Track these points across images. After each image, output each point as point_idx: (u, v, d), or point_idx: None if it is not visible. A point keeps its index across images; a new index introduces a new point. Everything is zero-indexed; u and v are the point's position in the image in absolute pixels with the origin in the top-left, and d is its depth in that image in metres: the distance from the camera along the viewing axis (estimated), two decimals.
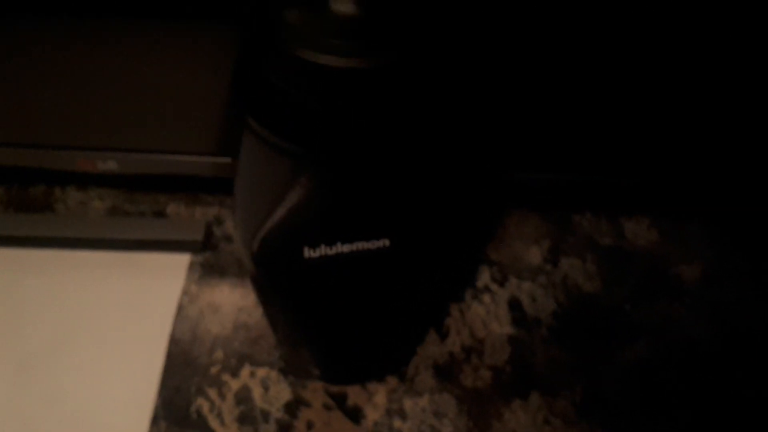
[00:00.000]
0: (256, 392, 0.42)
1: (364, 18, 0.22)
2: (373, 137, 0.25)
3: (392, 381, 0.42)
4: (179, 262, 0.48)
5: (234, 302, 0.46)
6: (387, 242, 0.32)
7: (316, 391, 0.42)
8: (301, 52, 0.22)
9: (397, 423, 0.41)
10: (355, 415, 0.41)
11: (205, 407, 0.41)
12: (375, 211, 0.31)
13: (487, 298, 0.47)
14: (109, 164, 0.46)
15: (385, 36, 0.22)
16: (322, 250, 0.31)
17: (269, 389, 0.42)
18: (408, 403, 0.42)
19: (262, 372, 0.43)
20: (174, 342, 0.44)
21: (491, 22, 0.37)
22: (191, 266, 0.48)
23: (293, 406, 0.41)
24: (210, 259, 0.49)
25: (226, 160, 0.45)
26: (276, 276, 0.33)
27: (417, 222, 0.33)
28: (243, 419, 0.41)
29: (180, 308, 0.46)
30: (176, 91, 0.42)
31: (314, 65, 0.22)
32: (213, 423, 0.41)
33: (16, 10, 0.39)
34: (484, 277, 0.48)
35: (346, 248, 0.31)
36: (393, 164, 0.28)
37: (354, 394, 0.42)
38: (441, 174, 0.34)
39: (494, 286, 0.48)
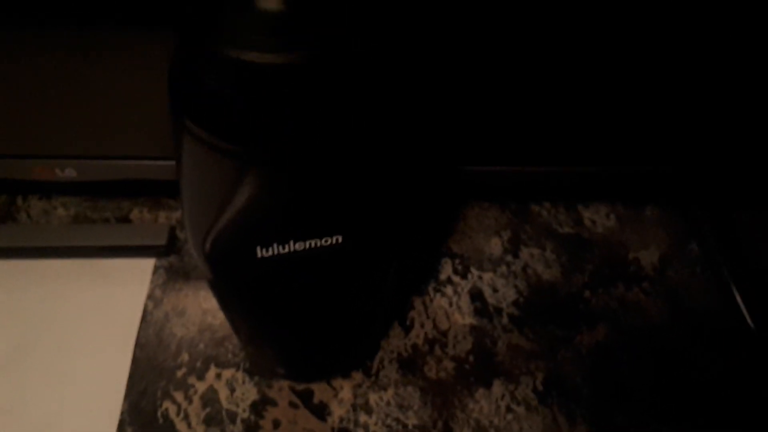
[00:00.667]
0: (223, 393, 0.42)
1: (289, 14, 0.23)
2: (310, 133, 0.25)
3: (357, 376, 0.43)
4: (144, 266, 0.49)
5: (198, 305, 0.47)
6: (339, 238, 0.32)
7: (281, 390, 0.42)
8: (228, 50, 0.22)
9: (362, 418, 0.41)
10: (320, 411, 0.42)
11: (172, 411, 0.41)
12: (325, 207, 0.31)
13: (449, 290, 0.48)
14: (68, 172, 0.46)
15: (311, 30, 0.23)
16: (275, 249, 0.31)
17: (235, 390, 0.42)
18: (373, 398, 0.42)
19: (227, 373, 0.43)
20: (140, 346, 0.44)
21: (431, 8, 0.38)
22: (155, 270, 0.48)
23: (259, 406, 0.42)
24: (174, 263, 0.49)
25: None
26: (230, 277, 0.33)
27: (369, 217, 0.34)
28: (210, 421, 0.41)
29: (145, 313, 0.46)
30: (131, 95, 0.42)
31: (241, 62, 0.22)
32: (180, 426, 0.41)
33: None
34: (447, 270, 0.49)
35: (299, 246, 0.32)
36: (338, 160, 0.29)
37: (319, 391, 0.43)
38: (391, 168, 0.34)
39: (456, 278, 0.48)
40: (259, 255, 0.31)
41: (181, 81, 0.26)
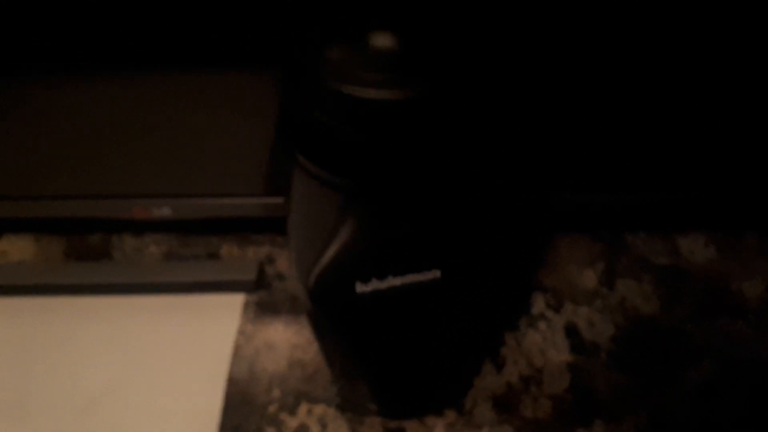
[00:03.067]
0: (314, 430, 0.42)
1: (401, 52, 0.23)
2: (417, 167, 0.25)
3: (450, 414, 0.42)
4: (234, 302, 0.49)
5: (288, 339, 0.47)
6: (438, 273, 0.32)
7: (373, 427, 0.42)
8: (342, 87, 0.22)
9: None
10: None
11: None
12: (424, 242, 0.31)
13: (542, 325, 0.46)
14: (164, 210, 0.47)
15: (422, 68, 0.23)
16: (374, 284, 0.31)
17: (327, 426, 0.42)
18: None
19: (319, 409, 0.43)
20: (232, 382, 0.44)
21: (529, 47, 0.37)
22: (246, 306, 0.49)
23: None
24: (264, 298, 0.49)
25: (276, 199, 0.46)
26: (331, 312, 0.33)
27: (467, 251, 0.33)
28: None
29: (236, 348, 0.46)
30: (224, 135, 0.44)
31: (355, 98, 0.22)
32: None
33: (71, 62, 0.40)
34: (539, 304, 0.47)
35: (397, 281, 0.31)
36: (439, 194, 0.29)
37: (412, 429, 0.42)
38: (488, 201, 0.34)
39: (549, 313, 0.47)
40: (358, 290, 0.31)
41: (294, 117, 0.26)
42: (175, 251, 0.53)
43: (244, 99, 0.41)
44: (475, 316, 0.38)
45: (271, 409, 0.43)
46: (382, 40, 0.22)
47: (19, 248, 0.54)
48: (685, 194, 0.48)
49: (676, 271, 0.49)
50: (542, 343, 0.45)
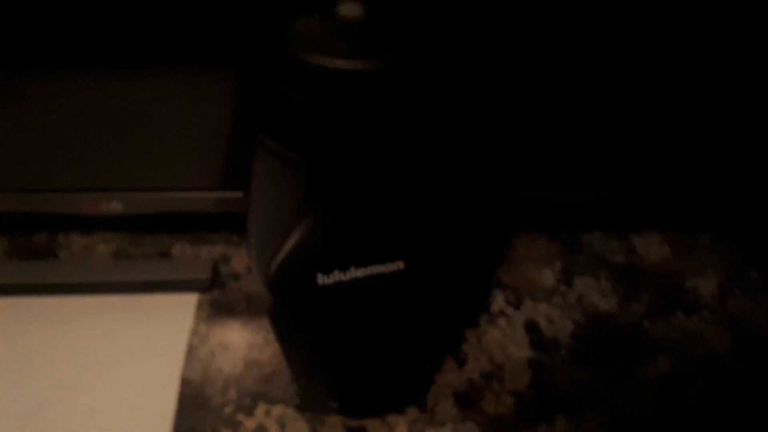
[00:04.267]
0: (273, 430, 0.41)
1: (370, 22, 0.22)
2: (383, 145, 0.25)
3: (412, 412, 0.41)
4: (187, 302, 0.48)
5: (244, 339, 0.45)
6: (401, 265, 0.31)
7: (334, 427, 0.41)
8: (311, 58, 0.21)
9: None
10: None
11: None
12: (389, 232, 0.30)
13: (502, 321, 0.46)
14: (114, 205, 0.45)
15: (393, 38, 0.22)
16: (336, 276, 0.30)
17: (286, 426, 0.41)
18: None
19: (277, 410, 0.42)
20: (186, 383, 0.43)
21: (497, 31, 0.37)
22: (199, 305, 0.47)
23: None
24: (218, 298, 0.48)
25: (233, 194, 0.44)
26: (291, 304, 0.32)
27: (431, 242, 0.33)
28: None
29: (190, 348, 0.45)
30: (178, 128, 0.42)
31: (322, 69, 0.22)
32: None
33: (18, 57, 0.39)
34: (499, 301, 0.47)
35: (360, 273, 0.31)
36: (405, 180, 0.28)
37: (373, 427, 0.41)
38: (452, 193, 0.34)
39: (509, 310, 0.47)
40: (319, 282, 0.30)
41: (258, 95, 0.25)
42: (125, 250, 0.51)
43: (200, 89, 0.40)
44: (436, 310, 0.38)
45: (227, 410, 0.41)
46: (350, 10, 0.22)
47: None
48: (641, 194, 0.49)
49: (632, 269, 0.50)
50: (503, 340, 0.45)
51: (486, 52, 0.38)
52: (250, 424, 0.41)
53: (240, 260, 0.50)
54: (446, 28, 0.24)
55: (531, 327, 0.46)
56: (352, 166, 0.25)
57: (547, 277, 0.49)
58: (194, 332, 0.46)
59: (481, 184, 0.45)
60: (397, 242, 0.31)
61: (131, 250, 0.51)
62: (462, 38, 0.27)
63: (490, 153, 0.44)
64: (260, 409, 0.41)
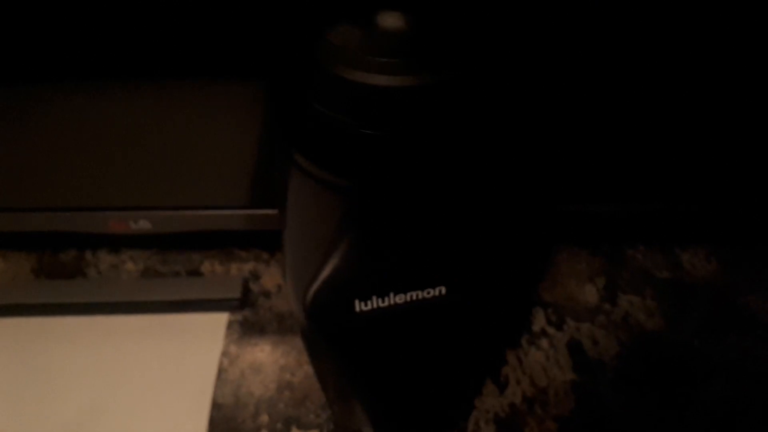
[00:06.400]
0: None
1: (413, 34, 0.20)
2: (424, 166, 0.23)
3: None
4: (217, 321, 0.46)
5: (276, 361, 0.44)
6: (443, 290, 0.29)
7: None
8: (347, 73, 0.20)
9: None
10: None
11: None
12: (429, 257, 0.29)
13: (545, 342, 0.44)
14: (142, 224, 0.44)
15: (437, 52, 0.20)
16: (374, 303, 0.29)
17: None
18: None
19: None
20: (216, 407, 0.41)
21: (539, 49, 0.36)
22: (230, 325, 0.46)
23: None
24: (249, 317, 0.47)
25: (263, 211, 0.43)
26: (328, 331, 0.30)
27: (473, 265, 0.31)
28: None
29: (220, 370, 0.43)
30: (207, 146, 0.41)
31: (362, 86, 0.20)
32: None
33: (48, 73, 0.38)
34: (540, 321, 0.45)
35: (399, 299, 0.29)
36: (446, 200, 0.26)
37: None
38: (493, 212, 0.32)
39: (551, 330, 0.45)
40: (357, 309, 0.29)
41: (291, 112, 0.24)
42: (154, 268, 0.50)
43: (230, 105, 0.38)
44: (478, 334, 0.36)
45: None
46: (391, 20, 0.20)
47: None
48: (685, 206, 0.47)
49: (679, 285, 0.47)
50: (545, 362, 0.43)
51: (529, 67, 0.36)
52: None
53: (270, 278, 0.49)
54: (491, 43, 0.22)
55: (574, 348, 0.44)
56: (391, 188, 0.23)
57: (591, 294, 0.47)
58: (225, 353, 0.44)
59: (522, 198, 0.43)
60: (438, 267, 0.29)
61: (160, 268, 0.50)
62: (505, 52, 0.25)
63: (532, 167, 0.42)
64: None
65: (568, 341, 0.44)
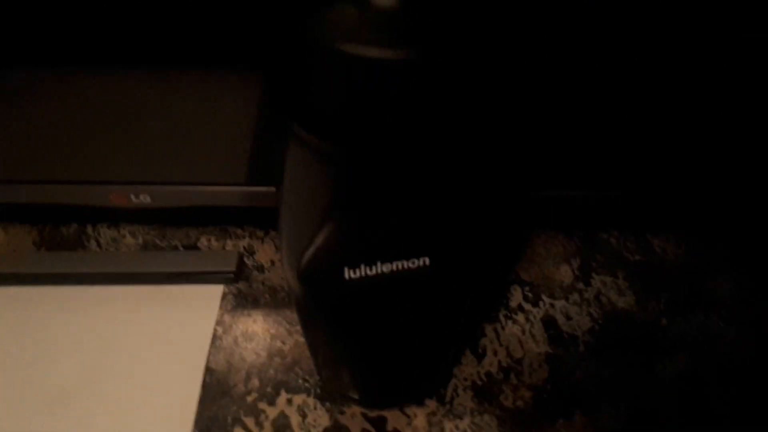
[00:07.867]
0: (294, 420, 0.42)
1: (405, 12, 0.23)
2: (415, 135, 0.25)
3: (431, 404, 0.42)
4: (212, 293, 0.49)
5: (267, 330, 0.46)
6: (427, 260, 0.32)
7: (354, 417, 0.42)
8: (344, 47, 0.22)
9: None
10: None
11: None
12: (415, 228, 0.31)
13: (521, 317, 0.47)
14: (142, 198, 0.46)
15: (428, 28, 0.23)
16: (363, 271, 0.31)
17: (307, 416, 0.42)
18: (449, 426, 0.41)
19: (299, 399, 0.43)
20: (209, 372, 0.44)
21: (522, 35, 0.38)
22: (224, 297, 0.48)
23: None
24: (243, 290, 0.49)
25: (260, 189, 0.45)
26: (318, 297, 0.33)
27: (456, 239, 0.33)
28: None
29: (214, 338, 0.46)
30: (206, 124, 0.43)
31: (357, 58, 0.22)
32: None
33: (53, 50, 0.40)
34: (517, 297, 0.48)
35: (386, 268, 0.31)
36: (432, 174, 0.29)
37: (393, 418, 0.42)
38: (476, 190, 0.34)
39: (528, 306, 0.47)
40: (346, 276, 0.31)
41: (289, 84, 0.26)
42: (153, 242, 0.52)
43: (229, 82, 0.40)
44: (458, 305, 0.39)
45: (250, 399, 0.43)
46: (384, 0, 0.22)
47: None
48: (658, 193, 0.49)
49: (650, 268, 0.50)
50: (521, 335, 0.46)
51: (515, 48, 0.38)
52: (271, 412, 0.42)
53: (264, 254, 0.51)
54: (481, 21, 0.25)
55: (549, 323, 0.46)
56: (380, 157, 0.26)
57: (566, 274, 0.50)
58: (219, 322, 0.47)
59: (503, 180, 0.46)
60: (422, 239, 0.31)
61: (158, 243, 0.53)
62: (492, 32, 0.27)
63: (512, 149, 0.44)
64: (282, 398, 0.43)
65: (543, 316, 0.47)
